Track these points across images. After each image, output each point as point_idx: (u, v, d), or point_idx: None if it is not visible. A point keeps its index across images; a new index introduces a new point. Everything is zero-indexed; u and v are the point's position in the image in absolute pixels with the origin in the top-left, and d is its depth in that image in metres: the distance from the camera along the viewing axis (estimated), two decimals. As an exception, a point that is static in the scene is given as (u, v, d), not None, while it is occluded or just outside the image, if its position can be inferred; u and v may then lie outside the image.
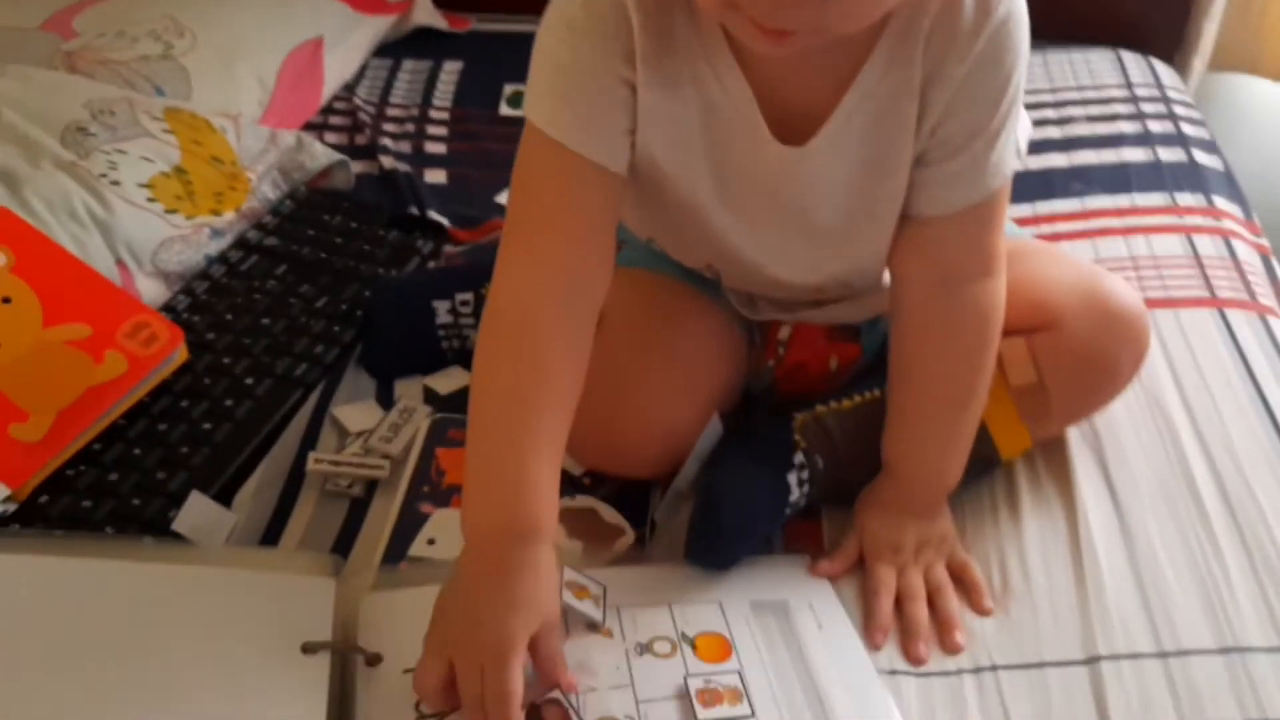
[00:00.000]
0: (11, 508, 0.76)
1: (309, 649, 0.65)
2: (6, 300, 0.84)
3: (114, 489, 0.79)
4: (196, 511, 0.77)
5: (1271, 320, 0.94)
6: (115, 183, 0.97)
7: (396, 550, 0.77)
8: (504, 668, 0.59)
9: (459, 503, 0.80)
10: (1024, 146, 0.73)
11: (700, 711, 0.64)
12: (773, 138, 0.68)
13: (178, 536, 0.76)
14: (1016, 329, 0.78)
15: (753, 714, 0.65)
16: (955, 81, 0.67)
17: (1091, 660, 0.69)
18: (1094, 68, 1.29)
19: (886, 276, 0.79)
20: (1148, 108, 1.22)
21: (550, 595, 0.64)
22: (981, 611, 0.74)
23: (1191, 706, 0.66)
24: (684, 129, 0.69)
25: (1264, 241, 1.05)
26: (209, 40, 1.17)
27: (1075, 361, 0.80)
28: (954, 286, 0.74)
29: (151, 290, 0.96)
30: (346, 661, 0.67)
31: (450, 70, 1.36)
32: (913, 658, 0.71)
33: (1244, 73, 1.56)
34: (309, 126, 1.23)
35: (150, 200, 0.99)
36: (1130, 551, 0.76)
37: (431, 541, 0.78)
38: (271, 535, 0.79)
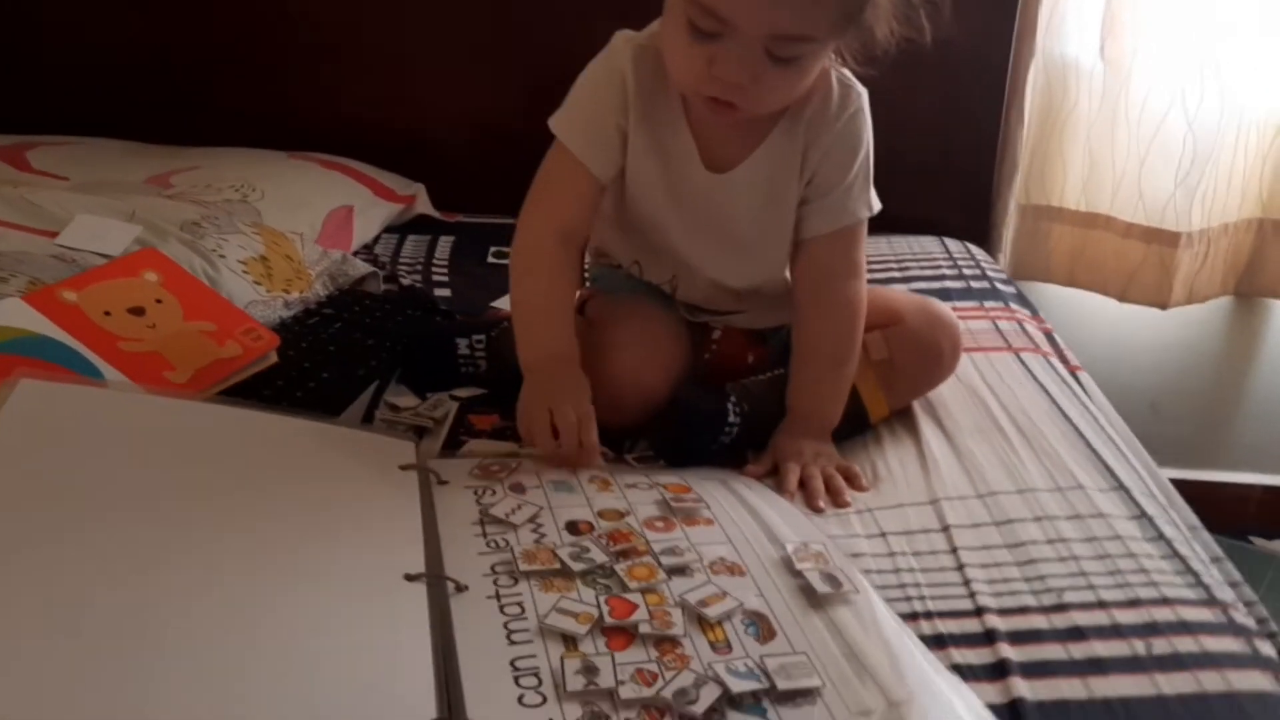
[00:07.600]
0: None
1: (405, 467, 0.94)
2: (159, 300, 1.16)
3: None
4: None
5: (1050, 358, 1.35)
6: (221, 256, 1.32)
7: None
8: (582, 410, 1.01)
9: (487, 436, 1.12)
10: (875, 207, 1.15)
11: (672, 503, 0.94)
12: (704, 168, 1.09)
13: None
14: (876, 326, 1.16)
15: (708, 507, 0.95)
16: (824, 149, 1.10)
17: (934, 501, 1.02)
18: (925, 246, 1.77)
19: (784, 291, 1.18)
20: (963, 263, 1.68)
21: (589, 393, 1.02)
22: (860, 489, 1.06)
23: (999, 515, 0.99)
24: (648, 161, 1.09)
25: (1048, 325, 1.48)
26: (274, 195, 1.56)
27: (913, 345, 1.18)
28: (830, 284, 1.13)
29: (242, 330, 1.28)
30: (425, 483, 0.95)
31: (445, 242, 1.76)
32: (814, 510, 1.02)
33: (1039, 280, 2.06)
34: (340, 266, 1.60)
35: (244, 272, 1.33)
36: (958, 456, 1.10)
37: (470, 451, 1.08)
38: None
